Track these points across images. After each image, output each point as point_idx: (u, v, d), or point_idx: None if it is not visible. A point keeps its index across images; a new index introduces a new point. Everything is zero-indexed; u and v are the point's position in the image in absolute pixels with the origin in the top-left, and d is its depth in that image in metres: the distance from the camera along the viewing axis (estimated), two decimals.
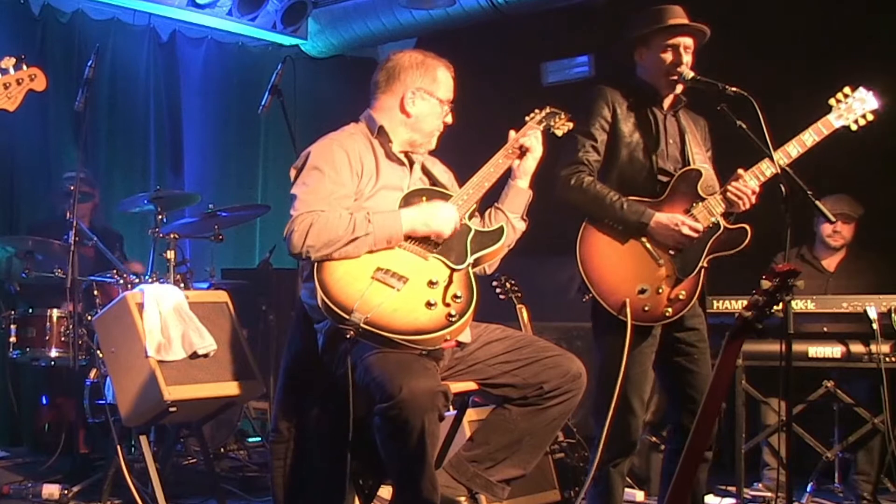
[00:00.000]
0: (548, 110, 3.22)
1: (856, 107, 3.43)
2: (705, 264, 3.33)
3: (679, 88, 3.42)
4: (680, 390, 3.40)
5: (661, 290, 3.28)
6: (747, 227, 3.34)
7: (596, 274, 3.30)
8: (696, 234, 3.28)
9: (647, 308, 3.26)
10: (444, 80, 3.14)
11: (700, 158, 3.45)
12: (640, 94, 3.43)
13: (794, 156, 3.34)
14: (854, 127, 3.44)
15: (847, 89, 3.45)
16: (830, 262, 4.88)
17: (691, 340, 3.39)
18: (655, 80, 3.41)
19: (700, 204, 3.34)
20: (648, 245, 3.32)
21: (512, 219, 3.11)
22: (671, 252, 3.32)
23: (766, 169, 3.30)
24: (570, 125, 3.24)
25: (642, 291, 3.26)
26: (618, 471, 3.36)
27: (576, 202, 3.32)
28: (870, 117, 3.45)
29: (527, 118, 3.19)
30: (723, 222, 3.34)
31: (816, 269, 4.85)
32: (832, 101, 3.45)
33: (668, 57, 3.36)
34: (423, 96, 3.10)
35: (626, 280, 3.28)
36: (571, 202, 3.33)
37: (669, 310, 3.28)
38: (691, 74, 3.33)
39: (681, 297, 3.30)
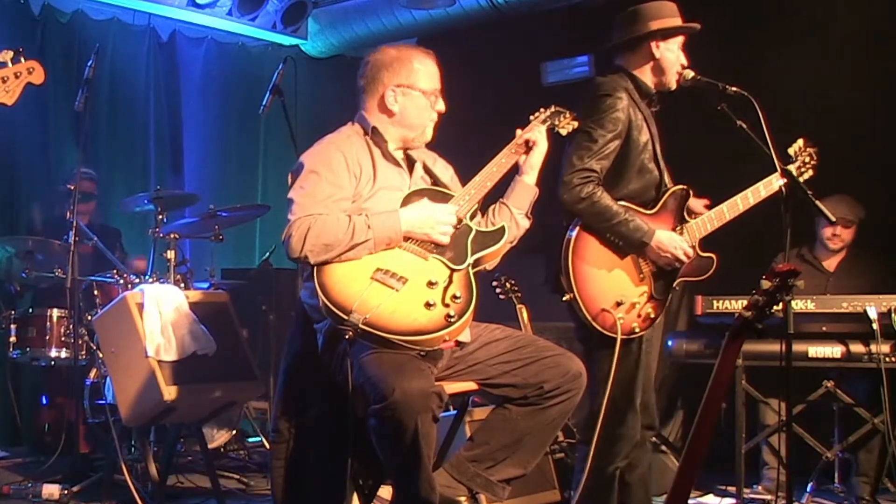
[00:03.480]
0: (553, 109, 3.20)
1: (807, 160, 3.51)
2: (676, 287, 3.37)
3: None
4: None
5: (636, 305, 3.28)
6: (714, 256, 3.38)
7: (580, 278, 3.25)
8: (687, 260, 3.30)
9: (620, 320, 3.25)
10: (423, 70, 3.07)
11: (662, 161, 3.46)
12: (639, 92, 3.39)
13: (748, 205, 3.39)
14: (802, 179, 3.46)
15: (801, 142, 3.52)
16: (831, 263, 4.87)
17: (650, 335, 3.41)
18: (659, 77, 3.38)
19: (684, 227, 3.36)
20: (637, 260, 3.32)
21: (516, 215, 3.08)
22: (653, 269, 3.33)
23: (763, 190, 3.34)
24: (575, 124, 3.21)
25: (619, 304, 3.24)
26: (617, 473, 3.36)
27: (581, 212, 3.24)
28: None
29: (531, 117, 3.17)
30: (697, 248, 3.37)
31: (816, 268, 4.84)
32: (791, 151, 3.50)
33: (681, 55, 3.36)
34: (404, 92, 3.05)
35: (607, 290, 3.26)
36: (576, 211, 3.25)
37: (637, 327, 3.28)
38: (692, 74, 3.33)
39: (650, 315, 3.31)
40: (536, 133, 3.08)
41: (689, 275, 3.38)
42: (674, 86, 3.40)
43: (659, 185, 3.37)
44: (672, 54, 3.36)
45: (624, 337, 3.23)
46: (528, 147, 3.08)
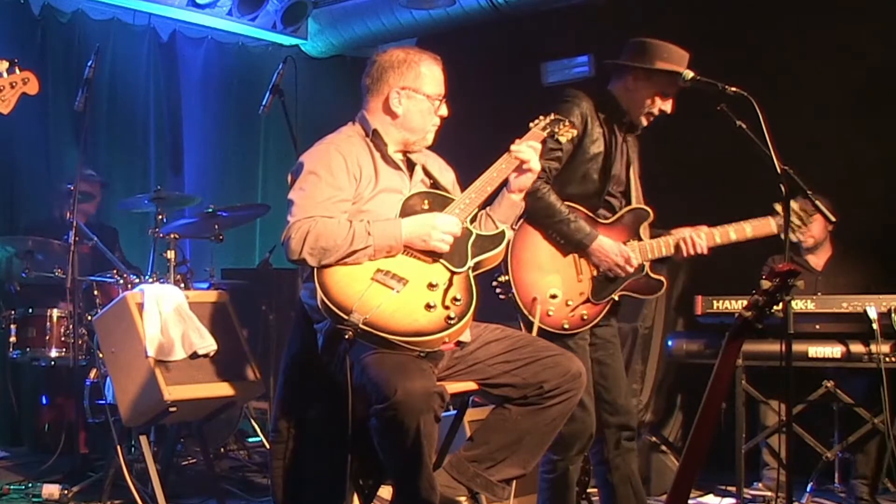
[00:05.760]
0: (552, 117, 3.20)
1: (796, 221, 3.42)
2: (616, 297, 3.42)
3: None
4: (595, 385, 3.45)
5: (569, 303, 3.36)
6: (664, 279, 3.45)
7: (518, 265, 3.37)
8: (629, 271, 3.37)
9: (550, 313, 3.33)
10: (430, 75, 3.08)
11: (636, 186, 3.53)
12: (610, 112, 3.47)
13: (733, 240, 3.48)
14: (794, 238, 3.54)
15: (795, 205, 3.35)
16: (818, 262, 4.87)
17: (607, 336, 3.50)
18: (633, 109, 3.45)
19: (635, 242, 3.42)
20: (578, 258, 3.39)
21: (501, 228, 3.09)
22: (594, 273, 3.39)
23: (732, 233, 3.45)
24: (574, 132, 3.25)
25: (553, 296, 3.34)
26: (575, 468, 3.42)
27: (527, 207, 3.31)
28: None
29: (531, 124, 3.17)
30: (647, 268, 3.44)
31: (805, 268, 4.83)
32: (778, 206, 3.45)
33: (660, 103, 3.41)
34: (409, 94, 3.06)
35: (543, 280, 3.36)
36: (525, 206, 3.34)
37: (567, 323, 3.35)
38: (691, 74, 3.33)
39: (584, 316, 3.37)
40: (531, 153, 3.02)
41: (635, 291, 3.47)
42: (641, 123, 3.48)
43: (599, 197, 3.45)
44: (650, 94, 3.40)
45: (549, 329, 3.32)
46: (521, 168, 3.04)
